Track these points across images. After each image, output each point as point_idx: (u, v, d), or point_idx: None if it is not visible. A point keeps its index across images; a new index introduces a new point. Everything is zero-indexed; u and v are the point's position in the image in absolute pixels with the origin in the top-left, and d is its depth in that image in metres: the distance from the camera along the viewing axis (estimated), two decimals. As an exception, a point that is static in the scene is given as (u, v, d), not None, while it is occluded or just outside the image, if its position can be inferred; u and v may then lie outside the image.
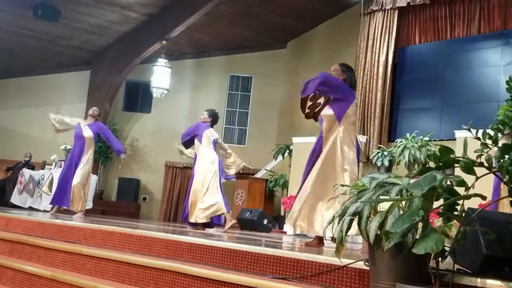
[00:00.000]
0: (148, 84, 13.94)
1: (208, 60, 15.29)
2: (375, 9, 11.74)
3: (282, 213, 10.51)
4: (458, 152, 2.38)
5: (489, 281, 2.25)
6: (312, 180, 4.68)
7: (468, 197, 2.23)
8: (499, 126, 2.37)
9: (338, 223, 2.47)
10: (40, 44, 13.81)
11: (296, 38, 14.71)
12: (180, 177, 14.72)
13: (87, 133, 8.38)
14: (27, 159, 12.63)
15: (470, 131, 2.35)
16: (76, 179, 8.10)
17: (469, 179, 2.29)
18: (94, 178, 11.50)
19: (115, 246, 4.45)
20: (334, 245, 2.50)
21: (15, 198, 11.72)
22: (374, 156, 9.89)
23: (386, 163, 9.63)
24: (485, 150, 2.32)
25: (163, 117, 15.05)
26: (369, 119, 11.38)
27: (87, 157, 8.27)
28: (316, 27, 14.08)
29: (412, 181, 2.32)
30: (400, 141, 9.56)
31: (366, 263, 2.62)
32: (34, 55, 14.50)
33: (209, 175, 7.01)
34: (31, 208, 11.06)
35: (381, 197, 2.36)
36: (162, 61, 13.59)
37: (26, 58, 14.65)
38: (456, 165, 2.33)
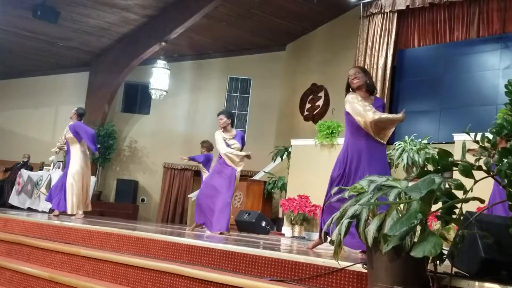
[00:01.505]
0: (147, 85, 13.94)
1: (207, 62, 15.30)
2: (374, 12, 11.76)
3: (280, 215, 10.50)
4: (457, 155, 2.39)
5: (487, 285, 2.25)
6: None
7: (466, 200, 2.23)
8: (498, 129, 2.37)
9: (337, 225, 2.47)
10: (39, 45, 13.81)
11: (295, 40, 14.73)
12: (178, 178, 14.72)
13: (68, 134, 8.29)
14: (25, 160, 12.63)
15: (468, 134, 2.36)
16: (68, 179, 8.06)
17: (467, 182, 2.29)
18: (92, 180, 11.48)
19: (113, 248, 4.45)
20: (333, 247, 2.50)
21: (13, 199, 11.71)
22: (372, 159, 9.87)
23: (385, 165, 9.61)
24: (483, 154, 2.33)
25: (162, 119, 15.05)
26: (367, 122, 11.39)
27: (71, 159, 8.18)
28: (315, 29, 14.11)
29: (410, 184, 2.32)
30: (399, 144, 9.55)
31: (364, 265, 2.62)
32: (33, 56, 14.49)
33: None
34: (29, 209, 11.04)
35: (379, 200, 2.36)
36: (161, 63, 13.60)
37: (25, 59, 14.65)
38: (454, 168, 2.33)
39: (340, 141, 9.66)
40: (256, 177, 12.43)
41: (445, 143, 9.38)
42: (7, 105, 15.09)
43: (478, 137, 2.35)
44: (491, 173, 2.25)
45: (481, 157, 2.33)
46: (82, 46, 14.26)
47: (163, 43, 13.29)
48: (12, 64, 14.89)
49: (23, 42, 13.59)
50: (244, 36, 14.30)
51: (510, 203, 2.19)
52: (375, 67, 11.46)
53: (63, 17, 12.24)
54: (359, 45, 11.92)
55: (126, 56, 14.05)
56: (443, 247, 2.14)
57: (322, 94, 13.59)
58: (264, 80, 14.90)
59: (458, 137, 8.09)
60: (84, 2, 11.94)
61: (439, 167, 2.32)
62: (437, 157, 2.33)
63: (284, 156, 11.77)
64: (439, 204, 2.29)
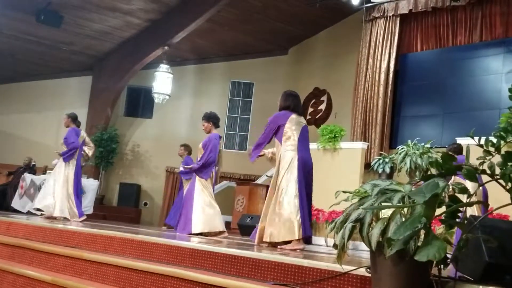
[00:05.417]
0: (150, 89, 13.96)
1: (209, 66, 15.31)
2: (377, 16, 11.77)
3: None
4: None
5: (491, 289, 2.24)
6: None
7: (470, 204, 2.23)
8: (502, 133, 2.37)
9: (340, 229, 2.46)
10: (42, 49, 13.84)
11: (298, 44, 14.74)
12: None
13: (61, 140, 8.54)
14: (26, 163, 12.60)
15: (473, 138, 2.35)
16: None
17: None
18: (95, 183, 11.51)
19: (116, 251, 4.45)
20: (336, 251, 2.50)
21: (15, 203, 11.70)
22: (375, 163, 9.88)
23: (387, 170, 9.61)
24: (487, 158, 2.32)
25: (164, 123, 15.07)
26: (370, 126, 11.39)
27: (58, 162, 8.33)
28: (317, 33, 14.12)
29: (414, 188, 2.32)
30: (402, 148, 9.54)
31: (368, 269, 2.61)
32: (36, 60, 14.53)
33: None
34: (29, 213, 11.02)
35: (383, 204, 2.36)
36: (163, 67, 13.62)
37: (28, 63, 14.68)
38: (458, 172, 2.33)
39: (343, 145, 9.65)
40: (259, 181, 12.41)
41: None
42: (11, 109, 15.12)
43: (482, 141, 2.34)
44: (495, 176, 2.25)
45: (485, 160, 2.33)
46: (85, 50, 14.29)
47: (165, 47, 13.31)
48: (15, 68, 14.93)
49: (26, 46, 13.63)
50: (246, 40, 14.32)
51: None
52: (377, 71, 11.46)
53: (66, 21, 12.28)
54: (361, 49, 11.93)
55: (129, 60, 14.08)
56: (447, 251, 2.13)
57: (324, 98, 13.59)
58: (266, 84, 14.90)
59: (461, 141, 8.07)
60: (87, 6, 11.98)
61: (443, 171, 2.31)
62: (440, 161, 2.33)
63: (287, 160, 11.73)
64: (443, 208, 2.29)
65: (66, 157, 8.27)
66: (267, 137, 5.48)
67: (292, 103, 5.51)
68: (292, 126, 5.37)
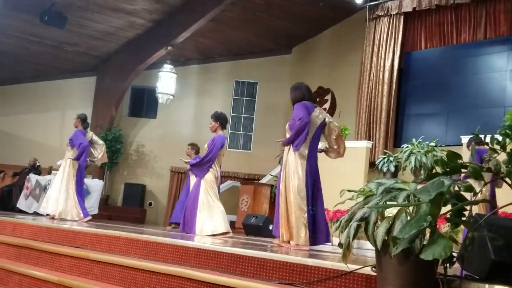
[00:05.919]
0: (154, 89, 13.98)
1: (213, 65, 15.32)
2: (380, 14, 11.75)
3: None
4: (465, 158, 2.38)
5: (497, 287, 2.24)
6: None
7: (476, 202, 2.22)
8: (507, 131, 2.36)
9: (345, 228, 2.46)
10: (46, 50, 13.87)
11: (301, 43, 14.73)
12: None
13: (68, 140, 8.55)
14: (32, 163, 12.63)
15: (477, 136, 2.35)
16: None
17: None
18: (100, 184, 11.53)
19: (122, 251, 4.46)
20: (341, 250, 2.50)
21: (21, 203, 11.73)
22: (379, 162, 9.88)
23: (392, 168, 9.61)
24: (493, 156, 2.32)
25: (168, 123, 15.08)
26: (374, 125, 11.38)
27: (63, 163, 8.32)
28: (321, 32, 14.11)
29: (419, 186, 2.32)
30: (406, 147, 9.53)
31: (373, 268, 2.61)
32: (40, 61, 14.56)
33: None
34: (35, 213, 11.05)
35: (388, 202, 2.35)
36: (167, 67, 13.63)
37: (32, 64, 14.71)
38: (463, 170, 2.32)
39: (347, 144, 9.61)
40: (263, 181, 12.42)
41: (452, 145, 9.35)
42: (15, 110, 15.16)
43: (488, 139, 2.34)
44: (501, 174, 2.25)
45: (491, 158, 2.32)
46: (89, 51, 14.32)
47: (169, 47, 13.32)
48: (19, 69, 14.96)
49: (30, 47, 13.65)
50: (250, 40, 14.32)
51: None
52: (381, 69, 11.45)
53: (70, 22, 12.29)
54: (365, 47, 11.91)
55: (133, 61, 14.09)
56: (453, 250, 2.13)
57: (328, 97, 13.57)
58: (270, 84, 14.90)
59: (466, 140, 8.05)
60: (91, 7, 12.00)
61: (448, 170, 2.31)
62: (446, 159, 2.32)
63: (291, 159, 11.72)
64: (449, 207, 2.28)
65: (82, 160, 8.23)
66: (302, 131, 5.14)
67: (306, 94, 5.37)
68: (314, 119, 5.24)
